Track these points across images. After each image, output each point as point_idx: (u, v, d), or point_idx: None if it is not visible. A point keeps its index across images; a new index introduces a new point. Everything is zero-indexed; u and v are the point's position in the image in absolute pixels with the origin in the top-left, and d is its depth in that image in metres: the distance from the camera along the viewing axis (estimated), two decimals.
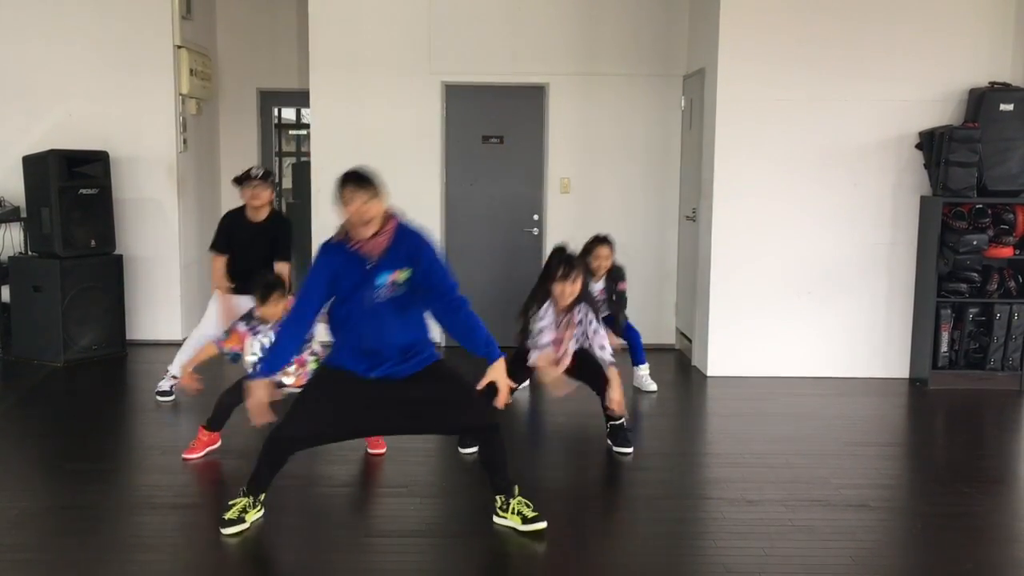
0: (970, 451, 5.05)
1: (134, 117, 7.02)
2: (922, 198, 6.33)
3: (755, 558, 3.51)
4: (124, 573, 3.36)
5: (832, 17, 6.23)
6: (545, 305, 4.62)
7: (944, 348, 6.16)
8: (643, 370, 5.98)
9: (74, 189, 6.51)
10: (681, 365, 6.84)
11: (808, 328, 6.43)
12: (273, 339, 4.19)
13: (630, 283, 5.92)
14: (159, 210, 7.15)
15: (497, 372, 3.58)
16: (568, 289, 4.55)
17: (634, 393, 5.84)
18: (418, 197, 6.74)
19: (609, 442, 4.77)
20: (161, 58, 7.02)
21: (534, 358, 4.59)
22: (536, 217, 7.28)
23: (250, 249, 5.33)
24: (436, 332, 3.88)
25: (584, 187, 7.20)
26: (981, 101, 6.10)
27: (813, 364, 6.44)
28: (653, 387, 5.98)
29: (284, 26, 8.06)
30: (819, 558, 3.54)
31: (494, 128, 7.23)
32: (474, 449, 4.46)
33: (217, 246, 5.47)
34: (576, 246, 5.23)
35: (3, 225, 6.88)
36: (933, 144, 6.12)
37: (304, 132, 7.43)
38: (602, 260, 5.61)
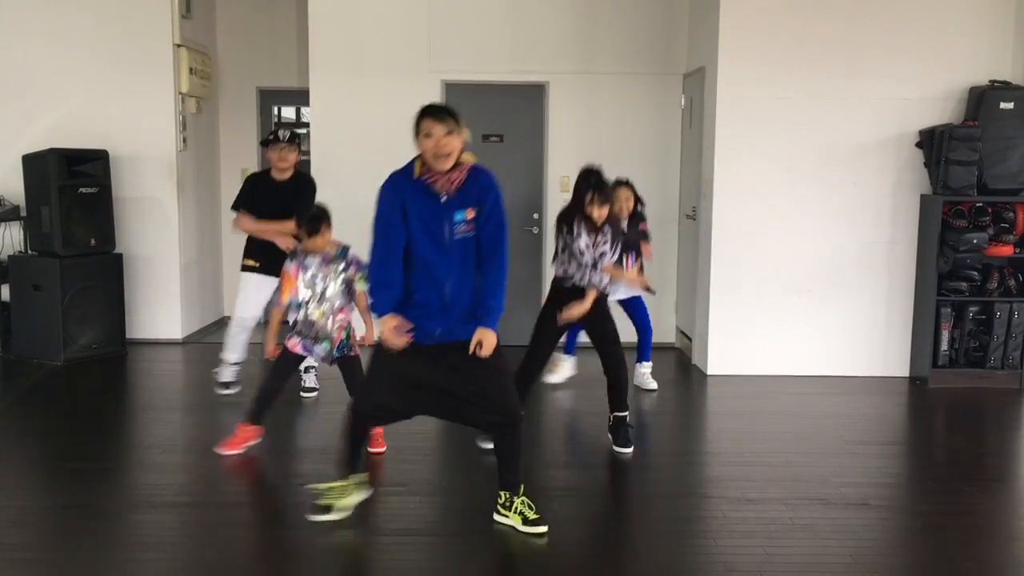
0: (970, 449, 5.04)
1: (134, 116, 7.02)
2: (922, 197, 6.33)
3: (755, 557, 3.51)
4: (124, 572, 3.36)
5: (832, 16, 6.23)
6: (578, 226, 4.59)
7: (944, 346, 6.17)
8: (645, 368, 5.99)
9: (74, 188, 6.51)
10: (681, 364, 6.84)
11: (808, 327, 6.43)
12: (368, 275, 3.80)
13: None
14: (159, 209, 7.15)
15: (484, 333, 3.52)
16: (598, 212, 4.56)
17: (635, 392, 5.83)
18: None
19: (610, 437, 4.78)
20: (161, 57, 7.02)
21: (570, 309, 4.57)
22: (536, 216, 7.28)
23: (273, 204, 5.32)
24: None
25: None
26: (981, 99, 6.10)
27: (813, 363, 6.44)
28: (653, 386, 5.98)
29: (284, 25, 8.06)
30: (819, 557, 3.54)
31: (494, 127, 7.22)
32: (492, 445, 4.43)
33: (240, 203, 5.47)
34: None
35: (3, 224, 6.88)
36: (933, 143, 6.12)
37: (304, 131, 7.41)
38: (623, 202, 5.65)
